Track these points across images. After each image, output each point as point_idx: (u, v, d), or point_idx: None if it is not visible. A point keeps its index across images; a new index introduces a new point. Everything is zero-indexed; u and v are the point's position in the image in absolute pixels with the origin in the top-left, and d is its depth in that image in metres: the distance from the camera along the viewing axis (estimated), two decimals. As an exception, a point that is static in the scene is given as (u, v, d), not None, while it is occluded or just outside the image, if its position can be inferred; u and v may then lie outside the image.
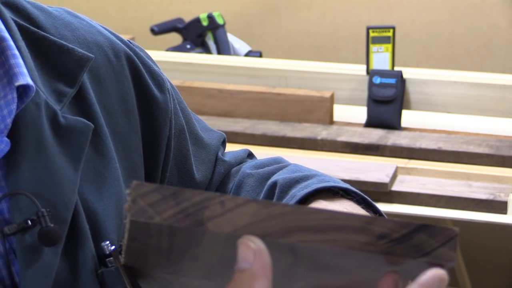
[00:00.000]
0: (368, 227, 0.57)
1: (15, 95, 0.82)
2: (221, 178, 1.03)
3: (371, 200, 0.90)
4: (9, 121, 0.81)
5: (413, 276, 0.58)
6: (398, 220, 0.58)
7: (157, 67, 0.98)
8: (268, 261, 0.56)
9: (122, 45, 0.95)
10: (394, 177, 1.95)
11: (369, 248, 0.57)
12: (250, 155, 1.09)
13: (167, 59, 2.47)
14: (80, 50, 0.89)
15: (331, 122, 2.25)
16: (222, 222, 0.57)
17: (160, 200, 0.57)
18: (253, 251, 0.56)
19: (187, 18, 2.86)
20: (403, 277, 0.59)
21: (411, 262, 0.58)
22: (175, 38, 2.95)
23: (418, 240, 0.58)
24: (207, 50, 2.78)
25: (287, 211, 0.57)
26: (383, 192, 1.90)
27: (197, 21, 2.81)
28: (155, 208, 0.57)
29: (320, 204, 0.87)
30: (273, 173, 0.99)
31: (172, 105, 0.97)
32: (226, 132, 1.08)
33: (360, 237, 0.57)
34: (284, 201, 0.92)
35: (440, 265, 0.58)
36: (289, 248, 0.58)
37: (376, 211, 0.90)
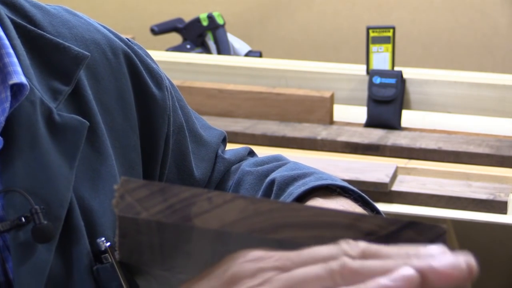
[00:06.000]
0: (356, 224, 0.57)
1: (8, 93, 0.82)
2: (221, 175, 1.03)
3: (368, 198, 0.90)
4: (2, 119, 0.81)
5: None
6: (386, 217, 0.58)
7: (156, 64, 0.98)
8: None
9: (120, 42, 0.95)
10: (394, 177, 1.95)
11: None
12: (251, 153, 1.09)
13: (167, 59, 2.47)
14: (76, 48, 0.89)
15: (331, 122, 2.25)
16: (210, 218, 0.57)
17: (148, 195, 0.57)
18: None
19: (187, 18, 2.86)
20: None
21: None
22: (175, 38, 2.94)
23: (406, 237, 0.57)
24: (207, 50, 2.78)
25: (275, 207, 0.57)
26: (383, 192, 1.90)
27: (197, 21, 2.81)
28: (143, 204, 0.57)
29: (317, 202, 0.88)
30: (272, 170, 0.99)
31: (171, 103, 0.97)
32: (226, 132, 1.08)
33: (348, 233, 0.57)
34: (282, 198, 0.92)
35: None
36: (277, 243, 0.57)
37: (373, 209, 0.90)
